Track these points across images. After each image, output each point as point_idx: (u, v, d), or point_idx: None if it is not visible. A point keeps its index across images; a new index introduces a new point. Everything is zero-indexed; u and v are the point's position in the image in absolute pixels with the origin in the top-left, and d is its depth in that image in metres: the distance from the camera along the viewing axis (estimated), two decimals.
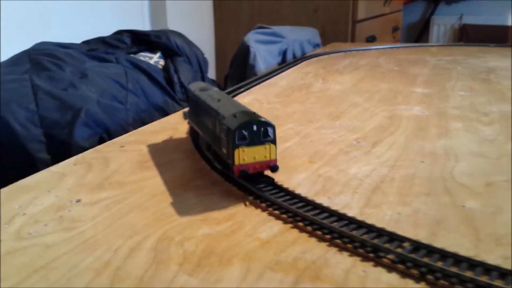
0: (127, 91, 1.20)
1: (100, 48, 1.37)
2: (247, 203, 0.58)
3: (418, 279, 0.43)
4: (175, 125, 0.92)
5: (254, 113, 0.58)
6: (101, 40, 1.47)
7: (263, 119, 0.56)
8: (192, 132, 0.81)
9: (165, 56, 1.55)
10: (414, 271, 0.44)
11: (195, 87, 0.73)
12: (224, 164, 0.61)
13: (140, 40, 1.52)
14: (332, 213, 0.53)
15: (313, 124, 0.93)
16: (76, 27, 1.81)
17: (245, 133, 0.55)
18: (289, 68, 1.56)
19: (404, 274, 0.44)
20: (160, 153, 0.77)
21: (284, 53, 1.83)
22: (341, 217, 0.52)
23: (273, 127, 0.57)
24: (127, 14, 2.13)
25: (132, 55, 1.43)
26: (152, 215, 0.56)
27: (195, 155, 0.74)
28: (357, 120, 0.96)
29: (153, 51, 1.54)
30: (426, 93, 1.18)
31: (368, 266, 0.45)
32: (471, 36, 3.34)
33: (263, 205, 0.57)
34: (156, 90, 1.32)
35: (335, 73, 1.46)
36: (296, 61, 1.69)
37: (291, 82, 1.36)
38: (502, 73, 1.42)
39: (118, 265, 0.46)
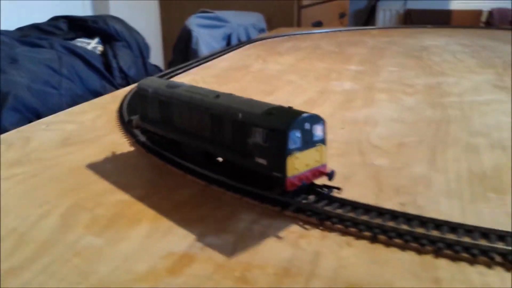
0: (61, 76, 1.17)
1: (34, 35, 1.33)
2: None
3: (316, 224, 0.46)
4: (104, 105, 0.91)
5: (291, 107, 0.47)
6: (35, 27, 1.43)
7: (314, 114, 0.45)
8: (150, 138, 0.66)
9: (104, 41, 1.52)
10: (313, 219, 0.46)
11: (153, 84, 0.60)
12: (254, 178, 0.48)
13: (77, 26, 1.49)
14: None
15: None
16: (12, 14, 1.75)
17: (299, 135, 0.44)
18: (231, 51, 1.57)
19: (305, 222, 0.46)
20: (85, 131, 0.76)
21: (228, 38, 1.84)
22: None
23: (324, 122, 0.46)
24: (66, 0, 2.07)
25: (68, 41, 1.40)
26: (67, 186, 0.56)
27: (120, 131, 0.74)
28: (289, 95, 0.98)
29: (91, 36, 1.51)
30: (359, 70, 1.21)
31: (275, 218, 0.47)
32: (415, 20, 3.45)
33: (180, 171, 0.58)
34: (93, 75, 1.29)
35: (276, 55, 1.48)
36: (239, 44, 1.70)
37: (231, 63, 1.36)
38: (434, 51, 1.48)
39: (24, 231, 0.45)
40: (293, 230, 0.45)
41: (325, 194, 0.48)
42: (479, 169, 0.58)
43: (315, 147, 0.45)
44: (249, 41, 1.79)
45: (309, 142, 0.45)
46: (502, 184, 0.54)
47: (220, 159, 0.54)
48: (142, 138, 0.67)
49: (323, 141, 0.46)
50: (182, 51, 1.58)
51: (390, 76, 1.13)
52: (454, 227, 0.43)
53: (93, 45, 1.47)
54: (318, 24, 2.74)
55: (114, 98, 0.94)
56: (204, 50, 1.61)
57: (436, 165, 0.60)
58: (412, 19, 3.48)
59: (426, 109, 0.85)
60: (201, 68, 1.29)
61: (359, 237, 0.43)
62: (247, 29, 1.97)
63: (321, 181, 0.48)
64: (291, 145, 0.43)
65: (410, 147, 0.67)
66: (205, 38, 1.64)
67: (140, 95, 0.62)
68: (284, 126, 0.43)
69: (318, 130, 0.45)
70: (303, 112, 0.45)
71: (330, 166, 0.49)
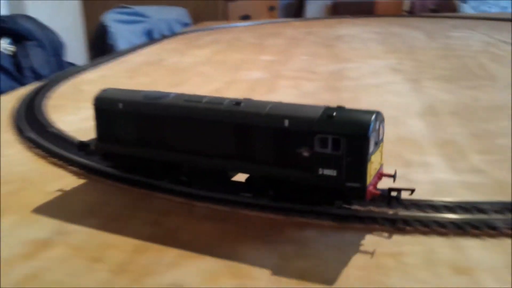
0: None
1: None
2: None
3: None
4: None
5: (342, 106, 0.41)
6: None
7: (378, 112, 0.40)
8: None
9: (15, 41, 1.46)
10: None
11: (121, 97, 0.49)
12: (301, 192, 0.42)
13: None
14: None
15: None
16: None
17: (375, 137, 0.39)
18: (150, 46, 1.56)
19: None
20: None
21: (150, 33, 1.82)
22: None
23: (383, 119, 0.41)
24: None
25: None
26: None
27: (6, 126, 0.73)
28: (197, 86, 1.00)
29: (1, 37, 1.45)
30: (272, 60, 1.24)
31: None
32: (341, 12, 3.56)
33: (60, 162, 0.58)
34: (1, 76, 1.25)
35: (194, 48, 1.49)
36: (160, 39, 1.69)
37: (147, 58, 1.36)
38: (346, 39, 1.54)
39: None
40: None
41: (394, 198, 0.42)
42: None
43: (379, 148, 0.40)
44: (170, 35, 1.79)
45: (377, 143, 0.40)
46: None
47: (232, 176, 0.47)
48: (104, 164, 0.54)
49: (383, 140, 0.41)
50: (99, 48, 1.55)
51: (299, 65, 1.17)
52: None
53: (4, 45, 1.42)
54: (246, 18, 2.77)
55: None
56: (122, 46, 1.59)
57: None
58: (339, 10, 3.59)
59: (323, 93, 0.89)
60: (115, 63, 1.27)
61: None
62: (169, 23, 1.96)
63: None
64: (371, 150, 0.38)
65: None
66: (123, 33, 1.62)
67: (102, 111, 0.49)
68: (363, 131, 0.37)
69: (382, 129, 0.40)
70: (371, 112, 0.39)
71: None
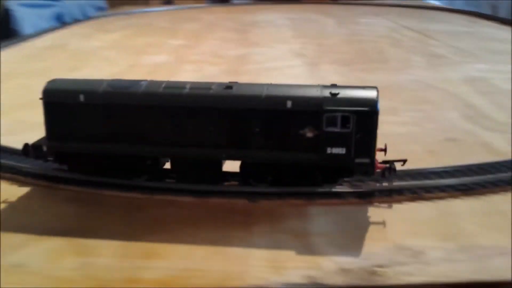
0: None
1: None
2: None
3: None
4: None
5: (335, 84, 0.41)
6: None
7: (374, 87, 0.41)
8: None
9: None
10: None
11: (79, 88, 0.43)
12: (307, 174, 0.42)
13: None
14: None
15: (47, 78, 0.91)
16: None
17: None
18: (56, 30, 1.49)
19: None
20: None
21: (60, 17, 1.73)
22: None
23: None
24: None
25: None
26: None
27: None
28: (95, 70, 0.97)
29: None
30: (181, 44, 1.23)
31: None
32: None
33: None
34: None
35: (103, 33, 1.44)
36: (70, 23, 1.62)
37: (51, 43, 1.30)
38: (261, 25, 1.56)
39: None
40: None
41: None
42: None
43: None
44: (82, 20, 1.72)
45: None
46: None
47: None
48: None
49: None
50: (3, 34, 1.46)
51: (208, 49, 1.17)
52: None
53: None
54: (168, 3, 2.71)
55: None
56: (28, 31, 1.50)
57: None
58: None
59: (224, 77, 0.89)
60: (14, 49, 1.20)
61: None
62: (82, 7, 1.88)
63: None
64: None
65: None
66: (30, 18, 1.53)
67: (56, 105, 0.43)
68: (372, 106, 0.38)
69: (378, 103, 0.39)
70: (370, 87, 0.40)
71: None
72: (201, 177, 0.44)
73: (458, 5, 3.53)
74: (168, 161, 0.45)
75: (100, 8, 2.03)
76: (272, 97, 0.40)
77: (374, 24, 1.53)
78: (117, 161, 0.44)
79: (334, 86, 0.40)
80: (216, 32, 1.42)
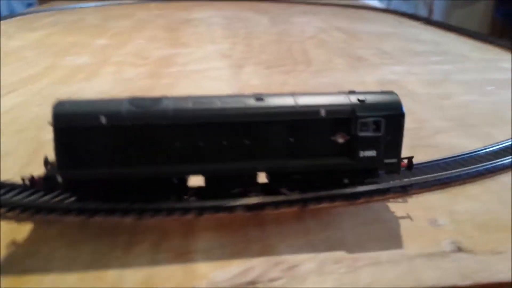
0: None
1: None
2: None
3: None
4: None
5: (353, 90, 0.44)
6: None
7: (391, 91, 0.44)
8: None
9: None
10: None
11: (96, 109, 0.39)
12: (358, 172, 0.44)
13: None
14: None
15: None
16: None
17: None
18: None
19: None
20: None
21: None
22: None
23: None
24: None
25: None
26: None
27: None
28: (10, 73, 0.92)
29: None
30: (106, 44, 1.20)
31: None
32: None
33: None
34: None
35: (27, 31, 1.37)
36: None
37: None
38: (194, 23, 1.54)
39: None
40: None
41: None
42: None
43: None
44: (8, 16, 1.64)
45: None
46: None
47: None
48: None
49: None
50: None
51: (133, 49, 1.14)
52: None
53: None
54: None
55: None
56: None
57: None
58: None
59: (142, 80, 0.88)
60: None
61: None
62: (9, 3, 1.79)
63: None
64: None
65: None
66: None
67: (72, 130, 0.39)
68: (399, 110, 0.41)
69: (403, 106, 0.43)
70: (389, 92, 0.43)
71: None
72: (235, 190, 0.43)
73: (395, 4, 3.66)
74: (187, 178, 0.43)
75: (29, 5, 1.94)
76: (306, 107, 0.41)
77: (306, 23, 1.55)
78: (142, 183, 0.41)
79: (352, 92, 0.43)
80: (145, 31, 1.39)
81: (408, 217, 0.43)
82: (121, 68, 0.96)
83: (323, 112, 0.41)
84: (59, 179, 0.40)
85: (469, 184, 0.49)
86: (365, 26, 1.50)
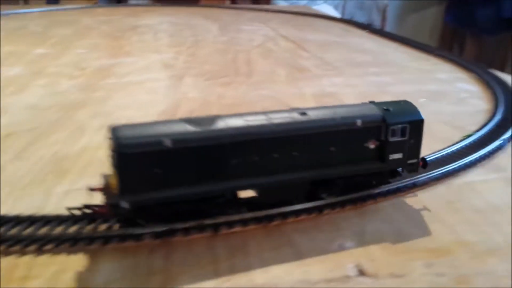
0: None
1: None
2: None
3: None
4: None
5: (373, 101, 0.49)
6: None
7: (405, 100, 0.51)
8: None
9: None
10: None
11: (158, 132, 0.40)
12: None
13: None
14: None
15: None
16: None
17: None
18: None
19: None
20: None
21: None
22: None
23: None
24: None
25: None
26: None
27: None
28: None
29: None
30: (44, 54, 1.16)
31: None
32: None
33: None
34: None
35: None
36: None
37: None
38: (141, 30, 1.52)
39: None
40: None
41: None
42: (65, 153, 0.60)
43: None
44: None
45: None
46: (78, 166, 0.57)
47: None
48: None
49: None
50: None
51: (72, 59, 1.11)
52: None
53: None
54: (54, 1, 2.56)
55: None
56: None
57: (25, 153, 0.60)
58: None
59: (74, 93, 0.85)
60: None
61: None
62: None
63: None
64: None
65: (19, 135, 0.65)
66: None
67: (136, 155, 0.39)
68: (420, 116, 0.48)
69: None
70: (404, 101, 0.50)
71: None
72: (289, 200, 0.47)
73: (350, 11, 3.73)
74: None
75: None
76: (346, 118, 0.46)
77: (255, 32, 1.55)
78: (200, 201, 0.43)
79: (372, 102, 0.49)
80: (87, 39, 1.35)
81: (317, 239, 0.43)
82: (55, 80, 0.93)
83: (359, 123, 0.46)
84: (125, 205, 0.39)
85: (382, 203, 0.50)
86: (312, 35, 1.52)
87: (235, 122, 0.42)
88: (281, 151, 0.44)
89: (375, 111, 0.47)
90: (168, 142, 0.39)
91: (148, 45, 1.29)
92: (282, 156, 0.44)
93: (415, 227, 0.46)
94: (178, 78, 0.97)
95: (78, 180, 0.53)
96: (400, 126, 0.47)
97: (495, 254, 0.42)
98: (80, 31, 1.48)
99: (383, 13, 3.72)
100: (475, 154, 0.60)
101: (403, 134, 0.47)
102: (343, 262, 0.40)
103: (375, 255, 0.41)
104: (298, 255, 0.41)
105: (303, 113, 0.45)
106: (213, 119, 0.42)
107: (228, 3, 3.67)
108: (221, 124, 0.42)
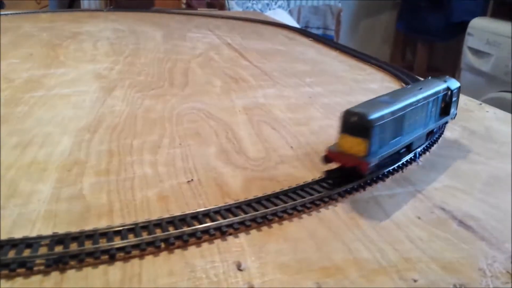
0: None
1: None
2: None
3: None
4: None
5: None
6: None
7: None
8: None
9: None
10: None
11: (375, 106, 0.57)
12: None
13: None
14: None
15: None
16: None
17: None
18: None
19: None
20: None
21: None
22: None
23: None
24: None
25: None
26: None
27: None
28: None
29: None
30: None
31: None
32: (120, 1, 3.46)
33: None
34: None
35: None
36: None
37: None
38: (82, 38, 1.48)
39: None
40: None
41: None
42: None
43: None
44: None
45: None
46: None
47: None
48: None
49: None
50: None
51: (2, 70, 1.07)
52: None
53: None
54: (0, 5, 2.47)
55: None
56: None
57: None
58: (118, 1, 3.48)
59: None
60: None
61: None
62: None
63: None
64: None
65: None
66: None
67: (378, 126, 0.54)
68: (459, 84, 0.73)
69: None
70: (447, 76, 0.72)
71: None
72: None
73: (305, 15, 3.77)
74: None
75: None
76: (439, 89, 0.67)
77: (199, 39, 1.55)
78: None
79: (433, 77, 0.72)
80: (23, 47, 1.31)
81: (216, 261, 0.43)
82: None
83: (444, 90, 0.69)
84: (374, 161, 0.55)
85: (285, 221, 0.51)
86: (256, 43, 1.53)
87: (411, 97, 0.61)
88: (418, 115, 0.63)
89: (442, 83, 0.69)
90: (389, 115, 0.56)
91: (85, 54, 1.27)
92: (419, 118, 0.63)
93: (314, 245, 0.47)
94: (107, 90, 0.95)
95: None
96: (455, 90, 0.71)
97: (385, 271, 0.43)
98: (17, 39, 1.43)
99: (337, 18, 3.79)
100: (385, 167, 0.61)
101: (456, 95, 0.71)
102: (238, 283, 0.40)
103: (269, 276, 0.42)
104: (194, 281, 0.41)
105: (421, 88, 0.64)
106: (397, 93, 0.64)
107: (183, 6, 3.65)
108: (405, 98, 0.60)
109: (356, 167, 0.54)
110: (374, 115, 0.54)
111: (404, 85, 1.07)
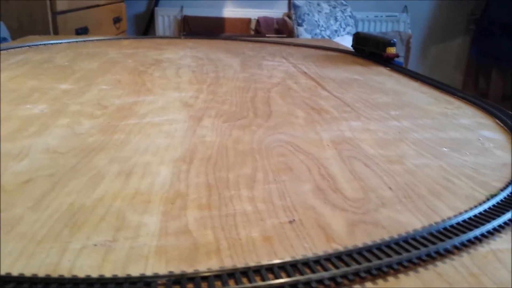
0: None
1: None
2: None
3: None
4: None
5: None
6: None
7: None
8: None
9: None
10: None
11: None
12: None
13: None
14: None
15: None
16: None
17: None
18: None
19: None
20: None
21: None
22: None
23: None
24: None
25: None
26: None
27: None
28: None
29: None
30: (67, 90, 1.18)
31: None
32: (192, 27, 3.60)
33: None
34: None
35: None
36: None
37: None
38: (164, 65, 1.54)
39: None
40: None
41: None
42: (82, 204, 0.61)
43: None
44: None
45: None
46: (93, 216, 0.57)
47: None
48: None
49: None
50: None
51: (94, 96, 1.13)
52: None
53: None
54: (84, 31, 2.64)
55: None
56: None
57: (41, 204, 0.60)
58: (190, 25, 3.62)
59: (94, 135, 0.86)
60: None
61: None
62: None
63: None
64: None
65: (36, 182, 0.66)
66: None
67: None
68: None
69: None
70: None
71: None
72: None
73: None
74: None
75: (4, 39, 1.93)
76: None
77: (275, 68, 1.56)
78: None
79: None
80: (111, 73, 1.38)
81: None
82: (77, 120, 0.95)
83: None
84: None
85: (402, 274, 0.48)
86: (332, 72, 1.52)
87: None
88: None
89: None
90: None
91: (169, 81, 1.31)
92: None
93: None
94: (196, 119, 0.97)
95: (92, 236, 0.53)
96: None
97: None
98: (104, 65, 1.52)
99: (407, 44, 3.71)
100: (502, 217, 0.57)
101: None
102: None
103: None
104: None
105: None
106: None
107: (252, 33, 3.72)
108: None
109: None
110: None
111: (498, 122, 1.01)
